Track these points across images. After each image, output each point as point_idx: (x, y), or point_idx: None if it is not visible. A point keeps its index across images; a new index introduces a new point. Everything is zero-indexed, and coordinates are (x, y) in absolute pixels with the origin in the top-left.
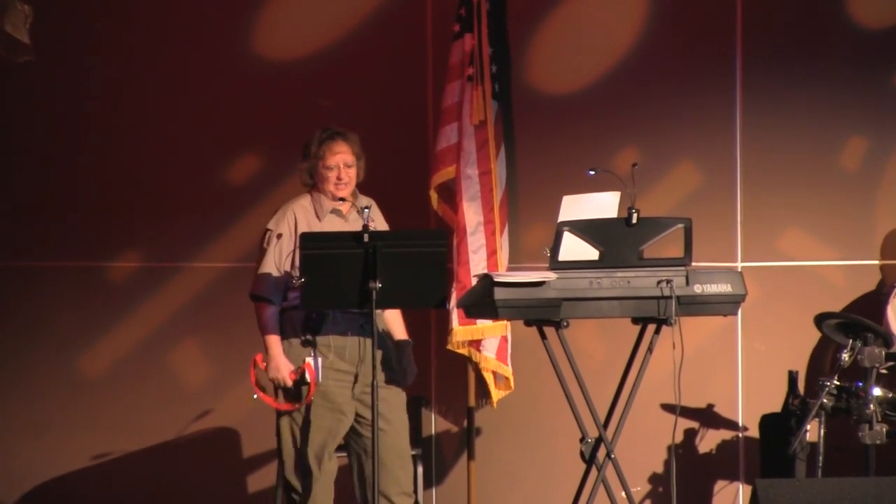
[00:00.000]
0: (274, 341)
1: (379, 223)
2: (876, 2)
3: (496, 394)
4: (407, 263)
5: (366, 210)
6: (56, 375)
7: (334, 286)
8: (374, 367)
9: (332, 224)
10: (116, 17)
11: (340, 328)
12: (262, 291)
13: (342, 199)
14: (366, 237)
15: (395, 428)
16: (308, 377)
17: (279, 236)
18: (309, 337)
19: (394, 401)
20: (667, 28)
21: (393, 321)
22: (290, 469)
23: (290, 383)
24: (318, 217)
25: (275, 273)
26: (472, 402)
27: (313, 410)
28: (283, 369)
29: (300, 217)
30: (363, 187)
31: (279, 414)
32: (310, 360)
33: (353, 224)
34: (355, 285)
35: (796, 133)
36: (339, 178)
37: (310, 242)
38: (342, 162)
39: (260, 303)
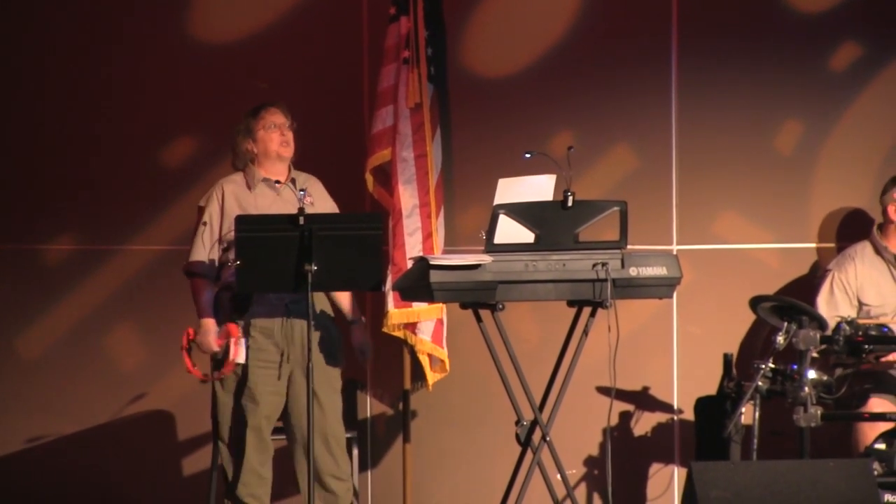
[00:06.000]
0: (205, 309)
1: (321, 201)
2: None
3: (432, 377)
4: (342, 246)
5: (301, 192)
6: None
7: (269, 269)
8: (309, 349)
9: (263, 195)
10: None
11: (267, 309)
12: (194, 267)
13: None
14: (301, 220)
15: (324, 411)
16: (231, 350)
17: (206, 211)
18: (236, 318)
19: (326, 384)
20: (602, 11)
21: (344, 300)
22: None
23: (215, 347)
24: (248, 188)
25: (205, 248)
26: (407, 384)
27: (235, 396)
28: (211, 334)
29: (228, 191)
30: (302, 168)
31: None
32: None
33: (286, 199)
34: (290, 268)
35: (732, 116)
36: (283, 135)
37: (244, 225)
38: (282, 122)
39: (193, 278)
